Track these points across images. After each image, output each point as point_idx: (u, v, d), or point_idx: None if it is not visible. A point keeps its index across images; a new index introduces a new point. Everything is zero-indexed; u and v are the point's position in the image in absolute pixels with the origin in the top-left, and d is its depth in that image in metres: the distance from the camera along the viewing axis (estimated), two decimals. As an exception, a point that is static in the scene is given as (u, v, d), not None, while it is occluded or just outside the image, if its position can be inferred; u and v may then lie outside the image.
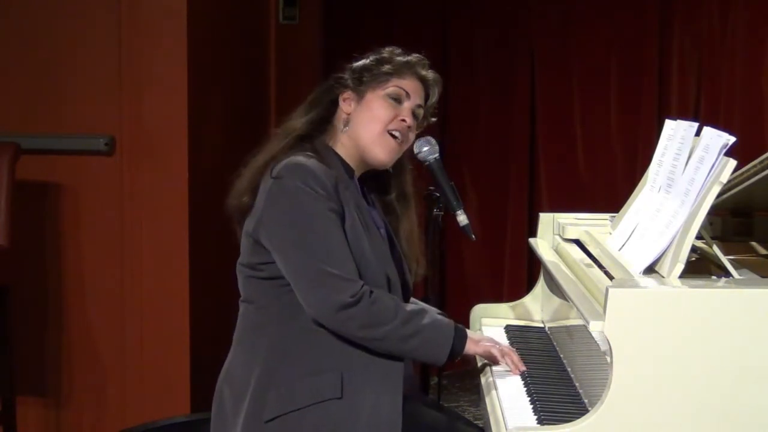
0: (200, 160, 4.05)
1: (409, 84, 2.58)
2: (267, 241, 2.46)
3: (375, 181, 2.68)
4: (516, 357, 2.58)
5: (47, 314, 4.14)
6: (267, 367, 2.45)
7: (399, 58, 2.60)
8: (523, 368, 2.56)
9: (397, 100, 2.57)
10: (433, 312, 2.54)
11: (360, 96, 2.57)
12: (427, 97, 2.63)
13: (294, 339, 2.45)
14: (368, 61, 2.61)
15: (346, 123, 2.58)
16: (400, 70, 2.58)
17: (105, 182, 4.06)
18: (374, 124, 2.55)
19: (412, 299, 2.70)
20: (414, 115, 2.59)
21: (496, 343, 2.62)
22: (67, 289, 4.13)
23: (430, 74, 2.63)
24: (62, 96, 4.05)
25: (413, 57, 2.62)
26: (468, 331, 2.56)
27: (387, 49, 2.63)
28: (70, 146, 4.06)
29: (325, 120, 2.60)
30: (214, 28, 4.26)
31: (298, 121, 2.59)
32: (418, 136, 2.72)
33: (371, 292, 2.41)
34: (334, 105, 2.60)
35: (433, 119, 2.67)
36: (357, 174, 2.61)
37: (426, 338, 2.44)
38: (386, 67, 2.57)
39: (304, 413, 2.40)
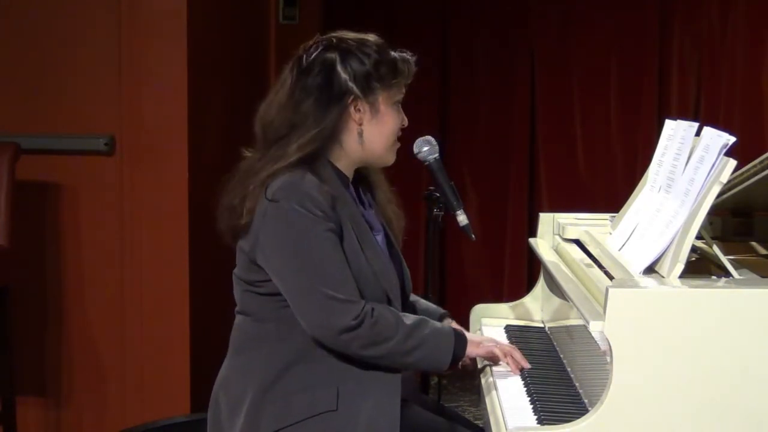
0: (200, 160, 4.05)
1: (405, 85, 2.56)
2: (265, 264, 2.42)
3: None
4: (518, 354, 2.57)
5: (47, 314, 4.14)
6: (263, 381, 2.43)
7: (401, 61, 2.50)
8: (527, 366, 2.55)
9: (399, 105, 2.54)
10: (432, 320, 2.52)
11: (373, 106, 2.47)
12: None
13: (291, 354, 2.43)
14: (367, 63, 2.46)
15: (360, 134, 2.48)
16: (408, 77, 2.51)
17: (105, 182, 4.06)
18: (389, 135, 2.50)
19: (412, 296, 2.70)
20: None
21: (497, 343, 2.62)
22: (67, 289, 4.13)
23: (414, 69, 2.55)
24: (62, 96, 4.05)
25: (410, 57, 2.54)
26: (467, 333, 2.56)
27: (375, 44, 2.49)
28: (70, 146, 4.06)
29: (333, 131, 2.46)
30: (214, 28, 4.26)
31: (307, 136, 2.42)
32: (418, 137, 2.72)
33: (373, 310, 2.39)
34: (341, 113, 2.45)
35: None
36: (350, 177, 2.55)
37: (428, 349, 2.43)
38: (398, 77, 2.49)
39: (300, 427, 2.39)
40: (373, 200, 2.64)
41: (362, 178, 2.63)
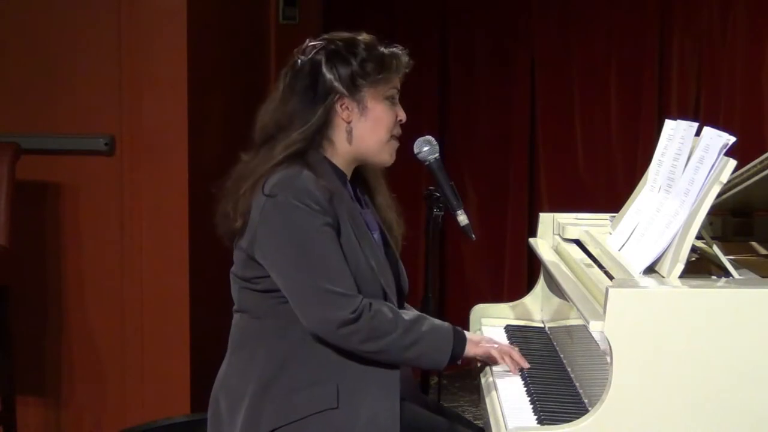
0: (200, 160, 4.05)
1: (398, 81, 2.54)
2: (263, 259, 2.42)
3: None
4: (517, 354, 2.57)
5: (47, 314, 4.14)
6: (263, 378, 2.44)
7: (388, 56, 2.50)
8: (526, 365, 2.55)
9: (393, 99, 2.54)
10: (430, 318, 2.53)
11: (360, 103, 2.47)
12: None
13: (290, 350, 2.44)
14: (353, 62, 2.47)
15: (349, 132, 2.49)
16: (397, 71, 2.51)
17: (105, 182, 4.06)
18: (381, 131, 2.50)
19: (407, 305, 2.69)
20: None
21: (495, 343, 2.62)
22: (67, 289, 4.13)
23: (408, 63, 2.55)
24: (62, 96, 4.05)
25: (400, 52, 2.53)
26: (467, 333, 2.55)
27: (363, 42, 2.50)
28: (70, 146, 4.07)
29: (319, 131, 2.48)
30: (214, 28, 4.26)
31: (292, 136, 2.45)
32: (418, 137, 2.72)
33: (370, 304, 2.39)
34: (327, 113, 2.47)
35: None
36: (348, 175, 2.56)
37: (427, 345, 2.43)
38: (384, 72, 2.49)
39: (301, 425, 2.40)
40: (372, 204, 2.64)
41: (362, 181, 2.63)
